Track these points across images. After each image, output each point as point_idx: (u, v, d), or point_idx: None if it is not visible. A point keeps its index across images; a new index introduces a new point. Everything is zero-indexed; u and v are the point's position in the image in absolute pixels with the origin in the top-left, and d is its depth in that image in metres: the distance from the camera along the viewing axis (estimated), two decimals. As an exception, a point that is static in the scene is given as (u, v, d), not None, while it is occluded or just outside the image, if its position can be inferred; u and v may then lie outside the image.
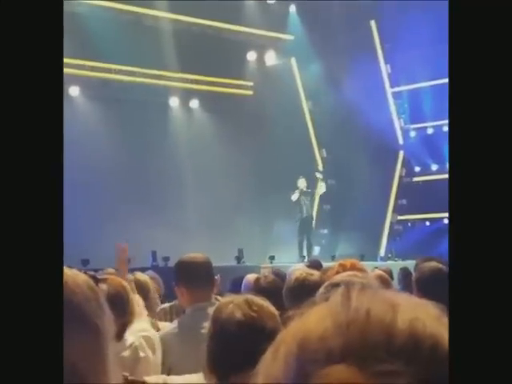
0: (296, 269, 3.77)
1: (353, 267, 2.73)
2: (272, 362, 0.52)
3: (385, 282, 4.87)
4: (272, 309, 1.66)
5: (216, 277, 2.84)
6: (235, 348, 1.56)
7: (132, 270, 4.09)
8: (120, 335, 2.42)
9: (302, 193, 12.46)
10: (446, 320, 0.53)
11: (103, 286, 2.34)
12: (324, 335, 0.50)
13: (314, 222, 13.02)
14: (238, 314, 1.60)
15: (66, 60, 9.07)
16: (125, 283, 2.65)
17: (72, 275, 0.82)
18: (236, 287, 4.44)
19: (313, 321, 0.52)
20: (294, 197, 12.46)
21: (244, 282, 4.27)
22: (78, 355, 0.77)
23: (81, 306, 0.79)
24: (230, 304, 1.63)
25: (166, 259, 9.68)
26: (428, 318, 0.51)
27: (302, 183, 12.54)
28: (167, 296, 4.82)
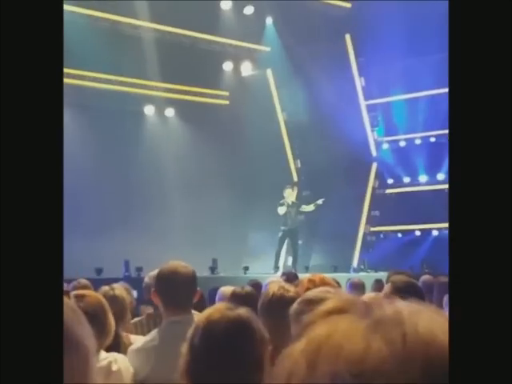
0: (272, 282, 3.77)
1: (322, 282, 2.74)
2: (309, 372, 0.50)
3: (359, 290, 4.90)
4: (261, 327, 1.67)
5: (198, 289, 2.77)
6: (222, 360, 1.57)
7: (104, 281, 4.02)
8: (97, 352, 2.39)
9: (288, 206, 11.75)
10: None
11: (81, 304, 2.34)
12: (382, 367, 0.49)
13: (298, 234, 12.31)
14: (229, 327, 1.60)
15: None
16: (103, 300, 2.59)
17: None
18: (213, 298, 4.39)
19: (361, 343, 0.50)
20: (281, 210, 11.71)
21: (218, 294, 4.22)
22: (70, 378, 0.78)
23: (68, 331, 0.80)
24: (224, 317, 1.63)
25: (139, 269, 9.59)
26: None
27: (288, 194, 11.89)
28: (139, 308, 4.78)
